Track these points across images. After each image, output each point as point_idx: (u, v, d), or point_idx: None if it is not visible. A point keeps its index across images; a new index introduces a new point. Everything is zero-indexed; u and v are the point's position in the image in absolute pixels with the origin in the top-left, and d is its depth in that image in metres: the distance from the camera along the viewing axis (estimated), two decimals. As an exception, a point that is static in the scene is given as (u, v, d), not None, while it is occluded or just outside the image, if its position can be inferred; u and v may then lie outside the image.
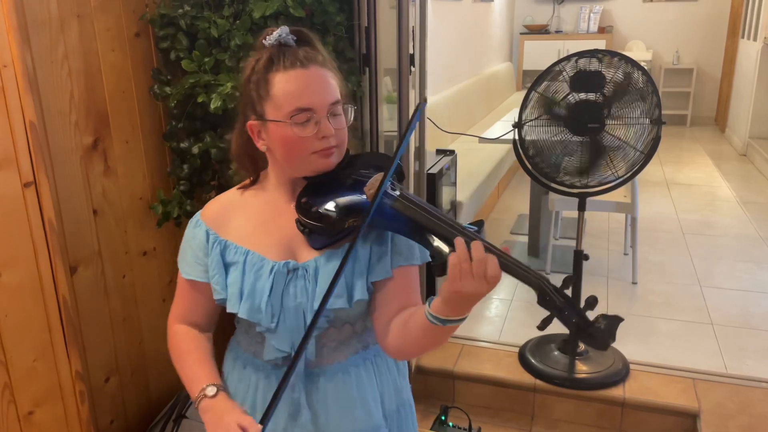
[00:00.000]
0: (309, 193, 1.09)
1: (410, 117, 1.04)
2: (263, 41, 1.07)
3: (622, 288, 3.25)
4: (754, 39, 5.90)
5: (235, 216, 1.14)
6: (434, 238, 0.98)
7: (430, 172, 2.75)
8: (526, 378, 2.46)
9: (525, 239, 3.87)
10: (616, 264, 3.57)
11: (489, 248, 0.92)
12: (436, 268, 0.96)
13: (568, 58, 2.27)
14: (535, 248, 3.71)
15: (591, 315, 0.94)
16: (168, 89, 1.99)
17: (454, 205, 3.27)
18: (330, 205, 1.06)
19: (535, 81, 2.36)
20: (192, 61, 1.95)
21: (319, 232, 1.06)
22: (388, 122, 2.22)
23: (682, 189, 4.99)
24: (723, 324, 2.85)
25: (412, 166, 2.44)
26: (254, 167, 1.16)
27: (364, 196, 1.05)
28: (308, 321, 1.07)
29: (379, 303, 1.10)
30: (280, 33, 1.05)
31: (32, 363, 1.47)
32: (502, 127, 3.68)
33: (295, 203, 1.09)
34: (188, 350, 1.16)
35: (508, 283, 3.32)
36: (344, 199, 1.06)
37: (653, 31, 7.55)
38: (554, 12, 7.88)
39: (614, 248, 3.81)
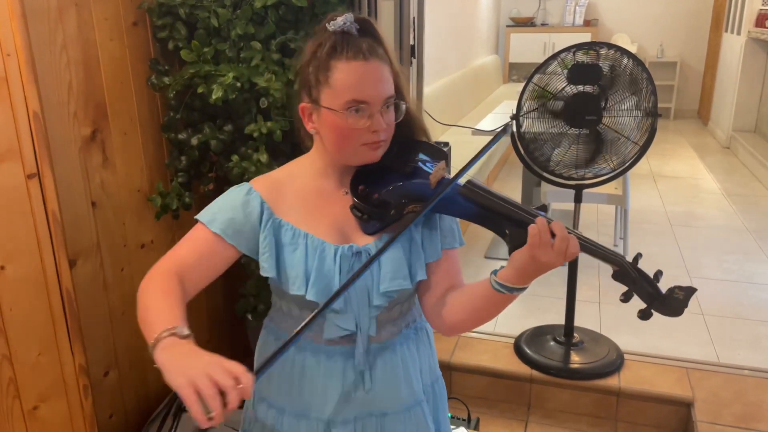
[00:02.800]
0: (364, 180, 1.12)
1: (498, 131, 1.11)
2: (327, 25, 1.07)
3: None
4: (738, 33, 5.98)
5: (287, 195, 1.13)
6: (505, 221, 1.03)
7: (425, 164, 2.75)
8: (523, 369, 2.48)
9: (516, 231, 3.89)
10: (606, 255, 3.60)
11: (569, 230, 0.99)
12: (511, 249, 1.01)
13: (566, 49, 2.28)
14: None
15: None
16: (166, 79, 1.97)
17: (448, 197, 3.28)
18: (392, 192, 1.09)
19: (532, 73, 2.37)
20: (191, 51, 1.92)
21: (378, 218, 1.09)
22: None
23: (668, 181, 5.05)
24: (714, 314, 2.89)
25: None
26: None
27: (425, 182, 1.08)
28: (372, 301, 1.10)
29: (430, 283, 1.15)
30: (345, 20, 1.05)
31: (37, 357, 1.45)
32: (494, 119, 3.70)
33: (347, 190, 1.13)
34: (168, 293, 1.00)
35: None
36: (406, 186, 1.10)
37: (638, 24, 7.61)
38: (540, 5, 7.90)
39: (604, 240, 3.84)
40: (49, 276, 1.45)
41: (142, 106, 1.98)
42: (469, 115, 5.53)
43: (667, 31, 7.54)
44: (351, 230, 1.12)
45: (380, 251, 1.00)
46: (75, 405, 1.54)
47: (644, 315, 1.05)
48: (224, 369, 0.81)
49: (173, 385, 0.81)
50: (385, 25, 2.08)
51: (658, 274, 1.05)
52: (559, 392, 2.42)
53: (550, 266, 0.97)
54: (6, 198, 1.36)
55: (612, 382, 2.37)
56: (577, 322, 2.56)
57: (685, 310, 1.04)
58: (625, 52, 2.26)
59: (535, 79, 2.34)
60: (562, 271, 3.16)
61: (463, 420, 2.29)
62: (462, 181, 1.07)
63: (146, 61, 1.97)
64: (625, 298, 1.04)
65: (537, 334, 2.63)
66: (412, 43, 2.10)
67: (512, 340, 2.63)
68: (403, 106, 1.10)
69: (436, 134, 4.23)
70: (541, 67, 2.34)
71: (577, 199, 2.49)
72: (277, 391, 1.17)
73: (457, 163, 3.52)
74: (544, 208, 1.04)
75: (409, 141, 1.17)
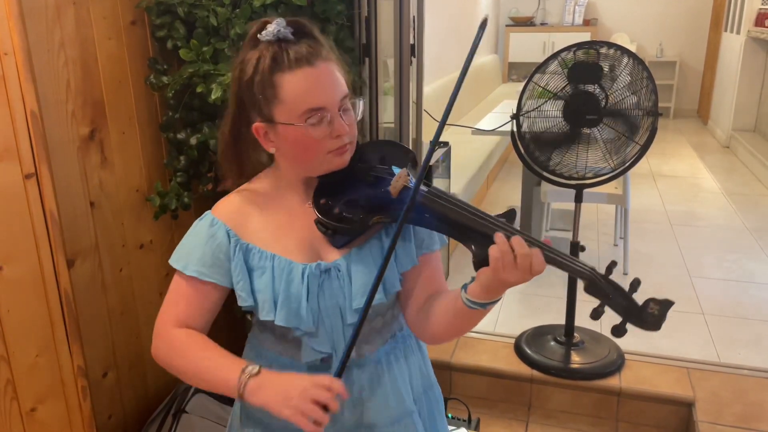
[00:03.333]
0: (326, 192, 1.07)
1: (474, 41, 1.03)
2: (258, 35, 1.00)
3: (614, 278, 3.27)
4: (737, 32, 5.97)
5: (251, 218, 1.09)
6: (470, 232, 0.98)
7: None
8: (523, 369, 2.47)
9: (516, 231, 3.88)
10: (606, 255, 3.60)
11: (530, 241, 0.93)
12: (476, 263, 0.96)
13: (567, 48, 2.27)
14: (526, 240, 3.72)
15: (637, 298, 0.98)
16: (165, 79, 1.96)
17: (448, 197, 3.27)
18: (353, 205, 1.04)
19: (532, 72, 2.36)
20: (190, 50, 1.91)
21: (343, 232, 1.04)
22: (386, 113, 2.21)
23: (668, 181, 5.05)
24: (714, 314, 2.88)
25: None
26: (240, 169, 1.12)
27: (387, 192, 1.03)
28: (346, 320, 1.07)
29: (408, 292, 1.12)
30: (277, 27, 0.99)
31: (35, 359, 1.44)
32: (494, 118, 3.69)
33: (311, 203, 1.07)
34: (205, 346, 1.06)
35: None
36: (368, 198, 1.05)
37: (637, 23, 7.60)
38: (539, 4, 7.89)
39: (604, 239, 3.84)
40: (47, 276, 1.44)
41: (141, 106, 1.96)
42: (469, 115, 5.52)
43: (667, 31, 7.53)
44: (320, 245, 1.08)
45: (391, 247, 0.96)
46: (73, 406, 1.53)
47: (617, 331, 0.97)
48: (317, 386, 0.92)
49: (283, 416, 0.92)
50: (385, 24, 2.07)
51: (635, 284, 0.97)
52: (559, 392, 2.42)
53: (518, 283, 0.93)
54: (3, 198, 1.35)
55: (613, 382, 2.36)
56: (578, 321, 2.56)
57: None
58: (625, 51, 2.26)
59: (536, 78, 2.33)
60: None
61: (464, 420, 2.28)
62: (424, 189, 1.02)
63: (145, 60, 1.96)
64: (595, 314, 0.98)
65: (537, 334, 2.63)
66: (412, 42, 2.09)
67: (512, 340, 2.63)
68: (361, 103, 1.07)
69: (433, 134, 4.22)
70: (541, 67, 2.33)
71: (578, 199, 2.49)
72: (263, 409, 1.13)
73: (456, 162, 3.47)
74: (511, 214, 0.99)
75: (375, 143, 1.14)
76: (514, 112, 2.38)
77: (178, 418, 1.99)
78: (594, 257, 3.55)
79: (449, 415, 2.31)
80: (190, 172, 2.07)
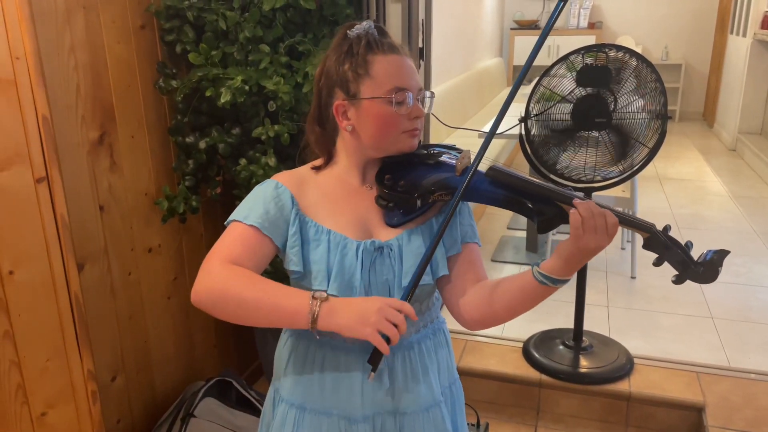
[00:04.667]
0: (390, 171, 1.14)
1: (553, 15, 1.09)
2: (348, 32, 1.11)
3: (621, 282, 3.26)
4: (743, 35, 5.96)
5: (310, 192, 1.15)
6: (532, 200, 1.04)
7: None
8: (531, 373, 2.46)
9: (523, 234, 3.88)
10: (614, 258, 3.58)
11: (598, 204, 0.99)
12: (540, 225, 1.04)
13: (575, 52, 2.26)
14: (533, 243, 3.72)
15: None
16: (174, 83, 1.96)
17: (455, 201, 3.26)
18: (418, 180, 1.10)
19: (540, 75, 2.35)
20: (199, 54, 1.91)
21: (403, 206, 1.11)
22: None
23: (675, 184, 5.03)
24: (723, 318, 2.87)
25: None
26: (329, 149, 1.20)
27: (451, 172, 1.10)
28: (394, 296, 1.10)
29: (453, 277, 1.15)
30: (368, 25, 1.11)
31: (45, 363, 1.44)
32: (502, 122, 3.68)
33: (371, 185, 1.15)
34: (266, 280, 1.02)
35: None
36: (432, 174, 1.11)
37: (642, 26, 7.60)
38: (544, 7, 7.89)
39: (611, 243, 3.83)
40: (58, 280, 1.44)
41: (150, 110, 1.97)
42: (474, 118, 5.52)
43: (672, 34, 7.52)
44: (374, 226, 1.14)
45: (433, 248, 1.02)
46: (83, 410, 1.53)
47: (678, 279, 1.05)
48: (391, 307, 0.96)
49: (361, 336, 0.94)
50: (394, 27, 2.07)
51: (689, 244, 1.04)
52: (568, 397, 2.40)
53: (599, 249, 0.97)
54: (15, 202, 1.35)
55: (622, 386, 2.35)
56: (586, 325, 2.55)
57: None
58: (633, 53, 2.25)
59: (544, 81, 2.33)
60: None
61: (473, 425, 2.27)
62: (484, 168, 1.09)
63: (154, 64, 1.96)
64: (658, 262, 1.04)
65: (545, 338, 2.61)
66: (420, 45, 2.09)
67: (521, 345, 2.61)
68: (433, 99, 1.16)
69: (442, 137, 4.22)
70: (549, 70, 2.32)
71: (586, 202, 2.47)
72: (296, 389, 1.17)
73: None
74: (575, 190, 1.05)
75: (432, 144, 1.21)
76: (522, 115, 2.37)
77: (186, 422, 1.99)
78: (601, 260, 3.53)
79: (458, 420, 2.30)
80: (199, 175, 2.07)
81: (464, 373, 2.50)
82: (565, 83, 2.29)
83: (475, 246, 1.19)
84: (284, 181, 1.14)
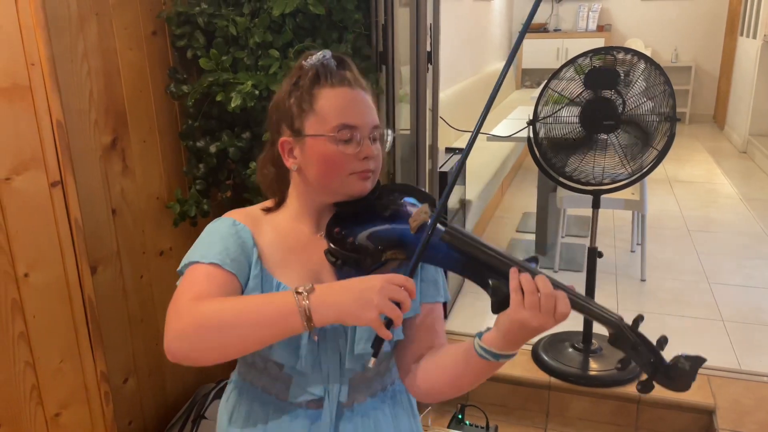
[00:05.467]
0: (341, 222, 1.03)
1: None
2: (303, 62, 1.02)
3: (631, 285, 3.25)
4: (754, 37, 5.93)
5: (264, 234, 1.04)
6: (490, 272, 0.92)
7: (441, 170, 2.75)
8: (541, 376, 2.46)
9: (531, 237, 3.87)
10: (623, 261, 3.57)
11: (556, 284, 0.88)
12: (494, 304, 0.90)
13: (583, 54, 2.27)
14: (542, 246, 3.72)
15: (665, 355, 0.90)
16: (185, 88, 1.98)
17: (464, 204, 3.27)
18: (368, 237, 0.99)
19: (549, 78, 2.36)
20: (209, 60, 1.93)
21: (354, 265, 0.98)
22: (403, 121, 2.22)
23: (685, 186, 5.01)
24: (734, 320, 2.85)
25: (427, 165, 2.43)
26: (281, 191, 1.09)
27: (406, 227, 0.99)
28: (345, 364, 1.02)
29: (406, 341, 1.05)
30: (324, 55, 1.02)
31: (59, 364, 1.46)
32: (509, 125, 3.69)
33: (323, 233, 1.03)
34: (239, 296, 0.96)
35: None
36: (385, 231, 1.00)
37: (652, 29, 7.57)
38: (553, 10, 7.89)
39: (621, 245, 3.82)
40: (72, 283, 1.46)
41: (161, 114, 1.99)
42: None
43: (682, 36, 7.49)
44: (327, 279, 1.02)
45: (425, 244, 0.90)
46: (96, 412, 1.55)
47: (644, 387, 0.89)
48: (393, 284, 0.85)
49: (364, 321, 0.84)
50: (402, 31, 2.09)
51: (662, 340, 0.90)
52: (577, 399, 2.40)
53: (540, 329, 0.85)
54: (30, 205, 1.37)
55: (632, 389, 2.34)
56: (596, 328, 2.54)
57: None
58: (642, 56, 2.25)
59: (552, 84, 2.33)
60: (580, 277, 3.15)
61: (482, 428, 2.27)
62: (442, 227, 0.96)
63: (165, 69, 1.99)
64: (622, 365, 0.90)
65: (555, 341, 2.61)
66: (428, 49, 2.10)
67: (530, 347, 2.61)
68: (391, 137, 1.06)
69: (451, 140, 4.23)
70: (557, 73, 2.33)
71: (595, 205, 2.48)
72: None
73: (471, 168, 3.49)
74: (534, 260, 0.93)
75: (393, 186, 1.10)
76: (530, 118, 2.38)
77: (197, 423, 2.01)
78: (611, 263, 3.52)
79: (467, 423, 2.30)
80: (209, 179, 2.09)
81: (473, 376, 2.50)
82: (573, 86, 2.30)
83: (438, 306, 1.07)
84: (240, 218, 1.04)
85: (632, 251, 3.72)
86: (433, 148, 2.51)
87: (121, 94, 1.82)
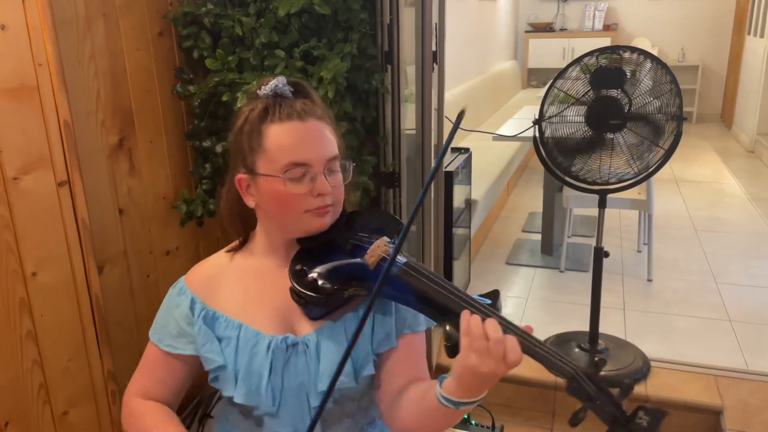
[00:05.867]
0: (303, 258, 1.00)
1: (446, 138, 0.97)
2: (258, 91, 1.00)
3: (638, 285, 3.24)
4: (761, 35, 5.90)
5: (224, 283, 1.04)
6: (445, 313, 0.88)
7: (447, 170, 2.75)
8: (547, 376, 2.44)
9: (537, 237, 3.86)
10: (630, 261, 3.56)
11: (507, 327, 0.84)
12: (447, 349, 0.86)
13: (589, 54, 2.26)
14: (548, 246, 3.71)
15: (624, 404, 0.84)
16: (191, 88, 1.99)
17: (469, 204, 3.27)
18: (327, 274, 0.96)
19: (555, 77, 2.35)
20: (216, 60, 1.94)
21: (316, 303, 0.96)
22: (408, 120, 2.22)
23: (692, 186, 4.99)
24: (741, 320, 2.84)
25: (432, 165, 2.43)
26: (244, 227, 1.08)
27: (364, 262, 0.96)
28: (311, 402, 0.99)
29: (384, 376, 1.01)
30: (276, 83, 0.98)
31: (66, 363, 1.47)
32: (515, 124, 3.68)
33: (288, 269, 1.01)
34: (160, 419, 1.03)
35: (522, 281, 3.32)
36: (346, 267, 0.98)
37: (658, 28, 7.54)
38: (559, 10, 7.87)
39: (627, 245, 3.81)
40: (79, 282, 1.47)
41: (168, 115, 2.00)
42: (489, 121, 5.52)
43: (689, 35, 7.46)
44: (295, 316, 1.01)
45: (348, 352, 0.85)
46: (103, 410, 1.55)
47: (575, 419, 0.82)
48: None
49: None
50: (408, 30, 2.09)
51: (626, 388, 0.83)
52: (584, 399, 2.39)
53: (493, 376, 0.80)
54: (38, 205, 1.38)
55: (639, 389, 2.33)
56: (602, 328, 2.54)
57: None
58: (648, 55, 2.24)
59: (558, 83, 2.33)
60: (586, 277, 3.14)
61: (487, 428, 2.27)
62: (402, 260, 0.93)
63: (171, 70, 2.00)
64: (575, 419, 0.81)
65: (561, 341, 2.61)
66: (434, 48, 2.10)
67: (536, 347, 2.61)
68: (351, 167, 1.02)
69: (457, 140, 4.23)
70: (563, 72, 2.32)
71: (602, 205, 2.47)
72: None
73: (477, 168, 3.47)
74: (495, 294, 0.90)
75: (368, 212, 1.07)
76: (536, 117, 2.38)
77: (204, 422, 2.02)
78: (617, 263, 3.52)
79: (473, 422, 2.30)
80: (216, 179, 2.10)
81: (479, 376, 2.50)
82: (579, 85, 2.29)
83: (416, 337, 1.02)
84: (194, 278, 1.06)
85: (639, 251, 3.70)
86: (439, 147, 2.51)
87: (128, 95, 1.83)
